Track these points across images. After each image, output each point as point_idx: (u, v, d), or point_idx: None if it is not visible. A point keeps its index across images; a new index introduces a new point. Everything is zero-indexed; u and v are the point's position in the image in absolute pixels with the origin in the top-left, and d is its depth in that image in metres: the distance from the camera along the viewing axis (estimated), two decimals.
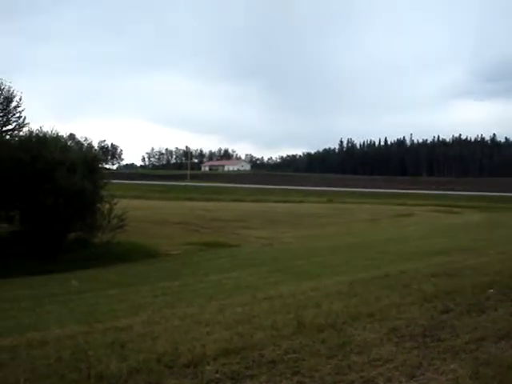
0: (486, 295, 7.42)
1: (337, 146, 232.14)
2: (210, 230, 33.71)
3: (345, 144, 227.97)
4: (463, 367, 4.60)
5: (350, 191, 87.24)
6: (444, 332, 5.67)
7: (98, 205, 26.20)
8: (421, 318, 6.27)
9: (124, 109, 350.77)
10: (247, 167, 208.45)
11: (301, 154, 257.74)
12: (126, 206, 26.67)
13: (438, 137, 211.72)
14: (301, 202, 62.24)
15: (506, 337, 5.49)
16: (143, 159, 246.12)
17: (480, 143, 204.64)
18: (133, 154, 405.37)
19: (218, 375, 4.63)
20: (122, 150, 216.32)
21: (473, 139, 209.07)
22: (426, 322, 6.09)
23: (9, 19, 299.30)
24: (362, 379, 4.41)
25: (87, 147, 36.58)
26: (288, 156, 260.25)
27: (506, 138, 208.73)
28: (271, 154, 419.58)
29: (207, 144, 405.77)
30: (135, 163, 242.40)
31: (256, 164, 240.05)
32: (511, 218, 39.68)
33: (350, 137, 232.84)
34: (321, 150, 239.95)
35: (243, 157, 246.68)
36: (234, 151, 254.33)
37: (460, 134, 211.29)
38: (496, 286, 8.03)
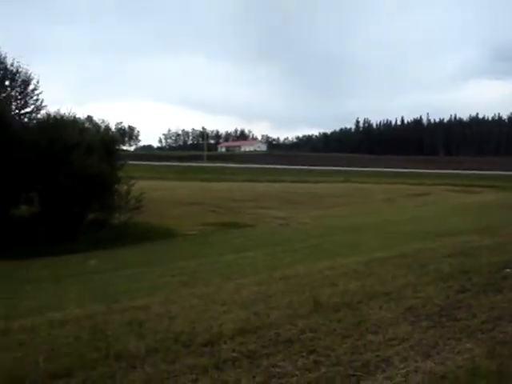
0: (503, 274, 7.38)
1: (353, 126, 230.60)
2: (226, 210, 33.80)
3: (361, 124, 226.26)
4: (479, 346, 4.59)
5: (364, 171, 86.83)
6: (460, 311, 5.66)
7: (116, 186, 26.38)
8: (437, 297, 6.26)
9: (141, 90, 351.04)
10: (263, 147, 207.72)
11: (317, 134, 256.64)
12: (143, 187, 26.83)
13: (455, 116, 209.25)
14: (317, 182, 61.97)
15: None
16: (160, 140, 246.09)
17: (497, 122, 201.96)
18: (150, 136, 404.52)
19: (234, 354, 4.68)
20: (138, 132, 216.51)
21: (490, 118, 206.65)
22: (442, 301, 6.07)
23: (24, 1, 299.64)
24: (377, 358, 4.42)
25: (104, 129, 36.73)
26: (304, 136, 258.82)
27: None
28: (287, 134, 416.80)
29: (223, 125, 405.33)
30: (152, 144, 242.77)
31: (272, 144, 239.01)
32: None
33: (366, 116, 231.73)
34: (337, 129, 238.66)
35: (259, 137, 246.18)
36: (250, 132, 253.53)
37: (477, 113, 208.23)
38: None
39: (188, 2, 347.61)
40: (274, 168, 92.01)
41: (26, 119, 31.14)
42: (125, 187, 26.20)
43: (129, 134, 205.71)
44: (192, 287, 9.42)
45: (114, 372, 4.44)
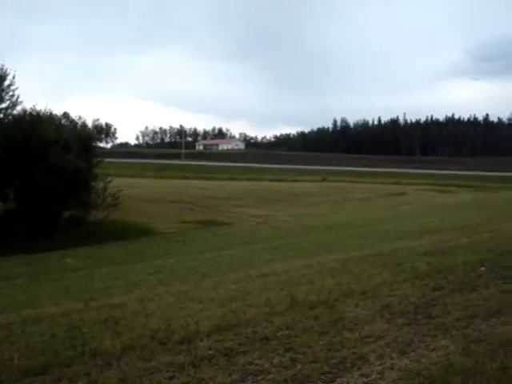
0: (478, 273, 7.47)
1: (330, 126, 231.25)
2: (204, 208, 33.76)
3: (338, 123, 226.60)
4: (454, 344, 4.65)
5: (342, 170, 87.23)
6: (435, 309, 5.73)
7: (93, 183, 26.18)
8: (413, 295, 6.32)
9: (118, 87, 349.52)
10: (241, 146, 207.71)
11: (295, 133, 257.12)
12: (120, 184, 26.68)
13: (432, 116, 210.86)
14: (295, 180, 62.24)
15: (496, 314, 5.54)
16: (137, 138, 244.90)
17: (473, 123, 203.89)
18: (127, 133, 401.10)
19: (211, 352, 4.68)
20: (116, 129, 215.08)
21: (466, 119, 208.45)
22: (417, 299, 6.14)
23: None
24: (354, 355, 4.45)
25: (81, 126, 36.39)
26: (282, 135, 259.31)
27: (498, 117, 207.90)
28: (265, 132, 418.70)
29: (201, 123, 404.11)
30: (129, 142, 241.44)
31: (250, 143, 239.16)
32: (503, 197, 39.83)
33: (343, 116, 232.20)
34: (315, 129, 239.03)
35: (237, 136, 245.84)
36: (228, 130, 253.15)
37: (453, 114, 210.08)
38: (487, 263, 8.09)
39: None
40: (253, 166, 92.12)
41: (1, 115, 30.75)
42: (101, 184, 26.04)
43: (106, 131, 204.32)
44: (169, 285, 9.39)
45: (90, 369, 4.40)
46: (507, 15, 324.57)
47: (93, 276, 14.06)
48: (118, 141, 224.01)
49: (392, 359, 4.37)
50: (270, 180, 61.63)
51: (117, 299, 7.92)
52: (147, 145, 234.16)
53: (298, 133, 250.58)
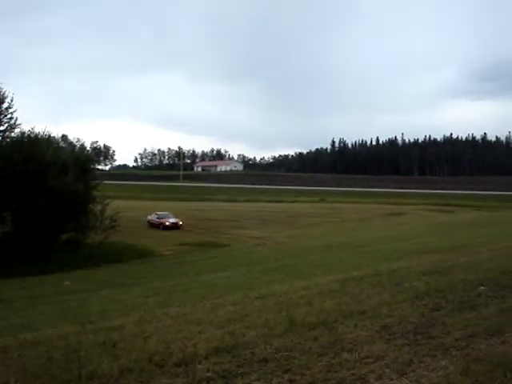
0: (477, 292, 7.43)
1: (329, 146, 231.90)
2: (203, 230, 33.75)
3: (337, 144, 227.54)
4: (454, 364, 4.60)
5: (340, 191, 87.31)
6: (435, 329, 5.68)
7: (91, 205, 26.17)
8: (412, 315, 6.27)
9: (116, 110, 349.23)
10: (240, 167, 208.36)
11: (293, 154, 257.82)
12: (118, 206, 26.67)
13: (430, 136, 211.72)
14: (293, 201, 62.28)
15: (496, 333, 5.49)
16: (136, 160, 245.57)
17: (471, 143, 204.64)
18: (125, 155, 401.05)
19: (209, 374, 4.63)
20: (114, 151, 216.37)
21: (464, 138, 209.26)
22: (417, 319, 6.09)
23: (1, 20, 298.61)
24: (353, 377, 4.40)
25: (79, 148, 36.60)
26: (280, 156, 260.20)
27: (496, 137, 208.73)
28: (264, 154, 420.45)
29: (200, 144, 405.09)
30: (128, 164, 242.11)
31: (248, 164, 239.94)
32: (502, 216, 39.85)
33: (341, 137, 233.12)
34: (313, 149, 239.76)
35: (236, 157, 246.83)
36: (226, 151, 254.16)
37: (451, 134, 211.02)
38: (487, 283, 8.05)
39: (164, 24, 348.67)
40: (251, 188, 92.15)
41: None
42: (99, 207, 26.02)
43: (104, 153, 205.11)
44: (167, 307, 9.35)
45: None
46: (506, 35, 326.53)
47: (90, 299, 14.01)
48: (117, 163, 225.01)
49: (391, 380, 4.32)
50: (268, 201, 61.63)
51: (115, 322, 7.88)
52: (146, 167, 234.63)
53: (296, 154, 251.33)
